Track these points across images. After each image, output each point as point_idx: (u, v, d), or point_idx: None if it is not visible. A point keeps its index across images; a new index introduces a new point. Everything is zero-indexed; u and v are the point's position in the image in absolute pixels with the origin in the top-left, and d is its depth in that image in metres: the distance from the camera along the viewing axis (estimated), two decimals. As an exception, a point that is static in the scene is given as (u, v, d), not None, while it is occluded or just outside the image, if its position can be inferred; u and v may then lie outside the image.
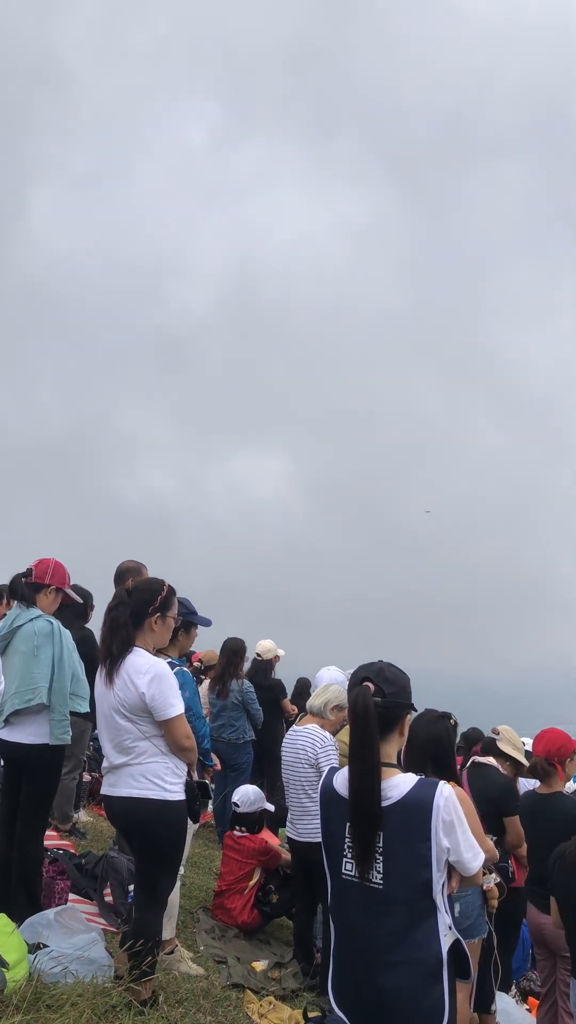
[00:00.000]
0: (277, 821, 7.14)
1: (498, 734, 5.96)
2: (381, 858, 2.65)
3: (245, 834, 6.14)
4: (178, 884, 4.63)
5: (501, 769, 5.56)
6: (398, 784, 2.70)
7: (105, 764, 3.96)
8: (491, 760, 5.58)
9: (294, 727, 5.59)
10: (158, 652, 4.05)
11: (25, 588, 4.70)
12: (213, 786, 7.53)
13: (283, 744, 5.46)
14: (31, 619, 4.61)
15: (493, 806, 5.17)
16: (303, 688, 11.43)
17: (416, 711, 2.96)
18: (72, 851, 5.94)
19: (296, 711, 9.65)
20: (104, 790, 3.98)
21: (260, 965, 5.27)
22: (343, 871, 2.76)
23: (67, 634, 4.71)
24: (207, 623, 5.43)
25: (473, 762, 5.56)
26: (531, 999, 6.48)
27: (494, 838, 4.75)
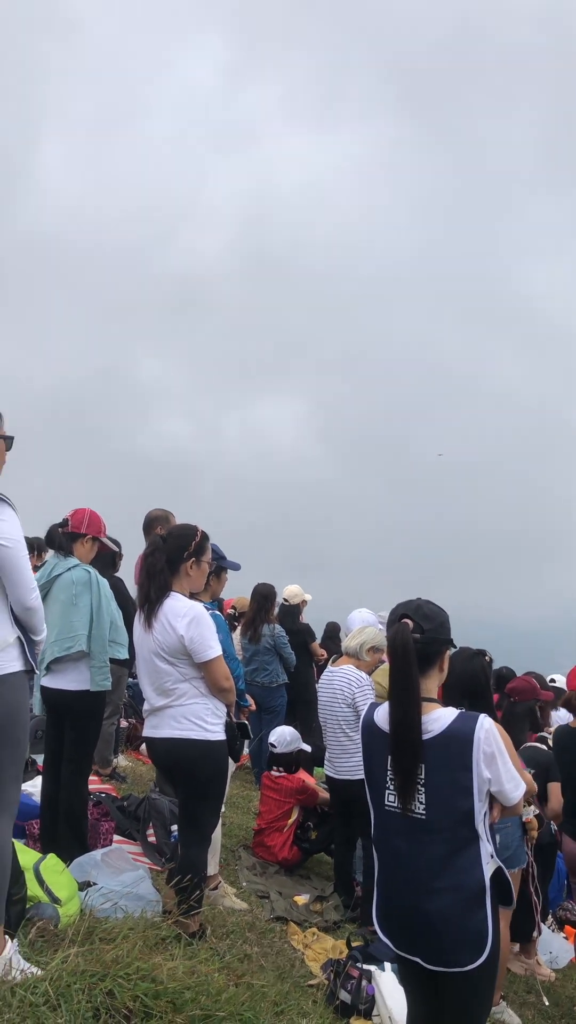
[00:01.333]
0: (313, 761, 7.26)
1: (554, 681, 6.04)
2: (423, 789, 2.71)
3: (282, 774, 6.25)
4: (220, 822, 4.73)
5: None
6: (439, 717, 2.74)
7: (146, 707, 4.04)
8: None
9: (330, 668, 5.65)
10: (191, 597, 4.10)
11: (62, 538, 4.75)
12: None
13: (320, 684, 5.54)
14: (69, 568, 4.67)
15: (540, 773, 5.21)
16: (333, 632, 11.53)
17: (455, 647, 2.98)
18: (114, 794, 6.09)
19: (325, 655, 9.75)
20: (146, 732, 4.07)
21: (302, 899, 5.40)
22: (386, 803, 2.81)
23: (104, 582, 4.77)
24: (236, 567, 5.48)
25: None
26: (568, 927, 6.62)
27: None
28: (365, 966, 4.00)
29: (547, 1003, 5.03)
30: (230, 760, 4.12)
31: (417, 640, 2.76)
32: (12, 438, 3.25)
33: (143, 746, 8.17)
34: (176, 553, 4.02)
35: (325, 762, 5.58)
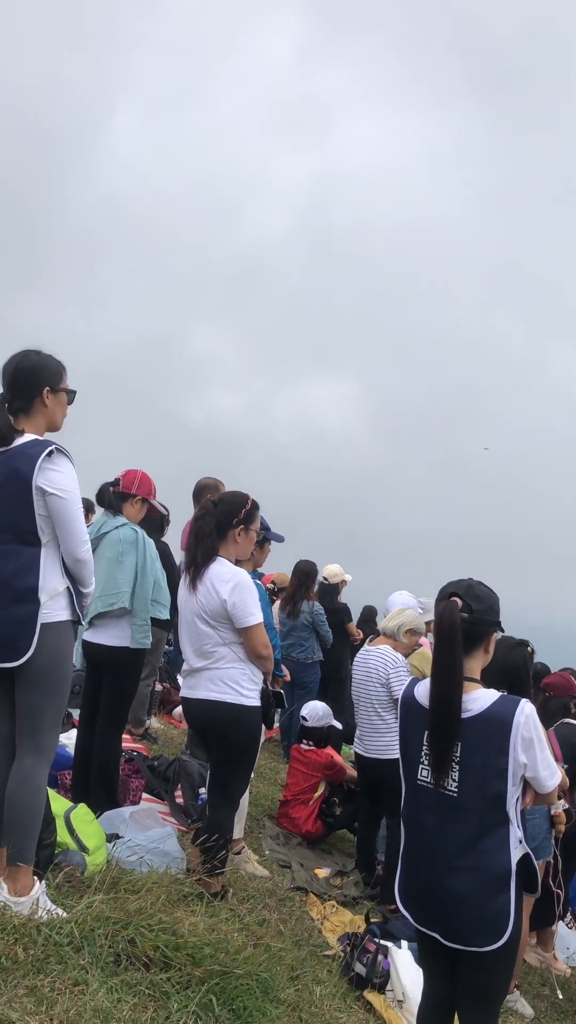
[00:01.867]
0: (343, 739, 7.29)
1: None
2: (457, 767, 2.70)
3: (312, 747, 6.28)
4: (248, 788, 4.78)
5: None
6: (479, 698, 2.73)
7: (185, 667, 4.10)
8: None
9: (366, 647, 5.66)
10: (236, 564, 4.13)
11: (112, 497, 4.81)
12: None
13: (355, 663, 5.55)
14: (117, 527, 4.72)
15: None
16: (369, 616, 11.54)
17: (503, 631, 2.96)
18: (145, 754, 6.17)
19: (361, 635, 9.78)
20: (183, 692, 4.12)
21: (323, 872, 5.44)
22: (418, 777, 2.81)
23: (151, 543, 4.83)
24: (280, 539, 5.51)
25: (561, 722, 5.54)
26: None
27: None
28: (382, 941, 4.02)
29: (560, 997, 5.02)
30: (263, 727, 4.15)
31: (465, 619, 2.75)
32: (74, 392, 3.28)
33: (175, 710, 8.28)
34: (226, 519, 4.07)
35: (355, 740, 5.60)
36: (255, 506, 4.18)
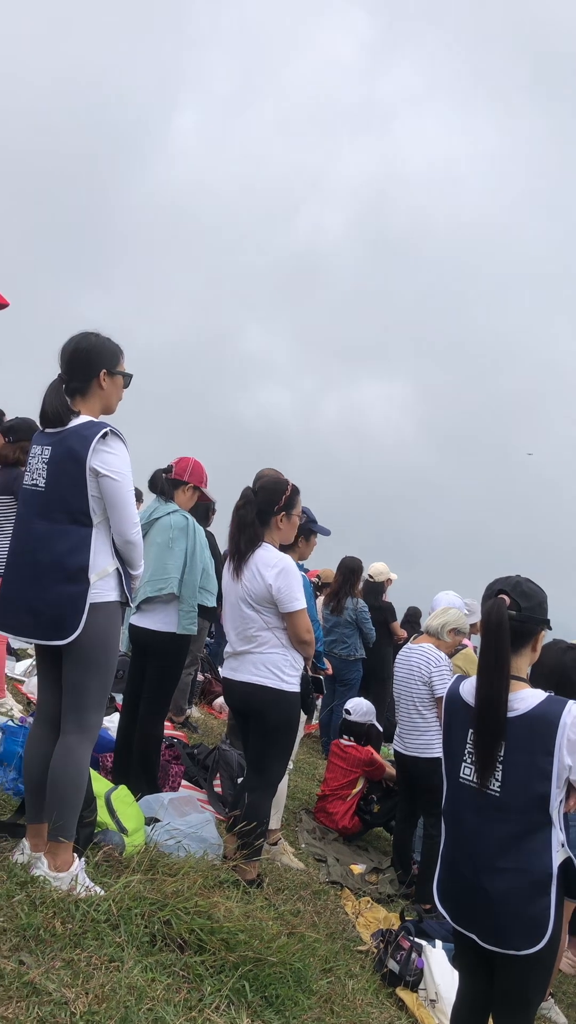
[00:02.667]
0: (383, 739, 7.26)
1: None
2: (501, 767, 2.66)
3: (352, 744, 6.26)
4: (286, 778, 4.78)
5: None
6: (526, 697, 2.68)
7: (228, 649, 4.16)
8: None
9: (409, 644, 5.62)
10: (280, 549, 4.17)
11: (165, 483, 4.85)
12: (320, 698, 7.71)
13: (397, 660, 5.52)
14: (168, 513, 4.76)
15: None
16: (413, 617, 11.47)
17: (551, 629, 2.91)
18: (185, 741, 6.22)
19: (405, 635, 9.72)
20: (225, 672, 4.18)
21: (358, 868, 5.43)
22: (461, 775, 2.78)
23: (200, 530, 4.85)
24: (327, 532, 5.50)
25: None
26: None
27: None
28: (416, 940, 4.00)
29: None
30: (303, 717, 4.17)
31: (513, 617, 2.71)
32: (131, 376, 3.31)
33: (216, 701, 8.32)
34: (267, 506, 4.14)
35: (395, 738, 5.56)
36: (295, 491, 4.24)
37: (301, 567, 5.26)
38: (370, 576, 9.71)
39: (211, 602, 4.94)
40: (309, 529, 5.27)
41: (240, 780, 5.09)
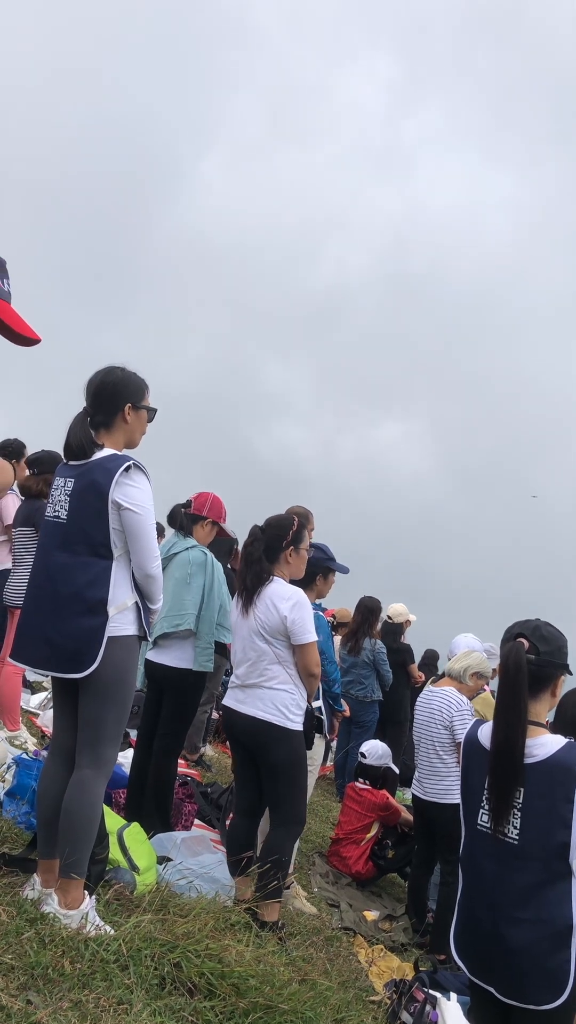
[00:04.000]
0: (399, 783, 7.16)
1: None
2: (519, 814, 2.60)
3: (367, 787, 6.18)
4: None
5: None
6: (545, 743, 2.64)
7: (234, 680, 4.15)
8: None
9: (429, 687, 5.57)
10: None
11: (184, 518, 4.87)
12: (335, 740, 7.63)
13: (417, 703, 5.45)
14: (187, 548, 4.77)
15: None
16: (431, 659, 11.36)
17: (571, 674, 2.87)
18: (198, 779, 6.16)
19: (423, 678, 9.63)
20: (228, 703, 4.15)
21: (372, 915, 5.33)
22: (479, 822, 2.73)
23: (219, 566, 4.86)
24: (345, 570, 5.47)
25: None
26: None
27: None
28: (431, 991, 3.90)
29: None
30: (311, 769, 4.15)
31: (531, 661, 2.68)
32: (155, 410, 3.33)
33: (228, 740, 8.25)
34: (275, 542, 4.19)
35: (413, 782, 5.48)
36: (302, 526, 4.29)
37: (319, 606, 5.23)
38: (389, 617, 9.65)
39: (228, 639, 4.91)
40: (327, 567, 5.25)
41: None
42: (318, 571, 5.16)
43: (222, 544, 5.89)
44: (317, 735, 4.62)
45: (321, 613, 5.19)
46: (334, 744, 7.94)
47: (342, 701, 5.42)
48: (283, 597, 4.02)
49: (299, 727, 4.07)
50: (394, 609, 9.85)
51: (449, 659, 5.82)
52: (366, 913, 5.33)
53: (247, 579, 4.12)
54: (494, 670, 5.78)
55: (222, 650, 5.38)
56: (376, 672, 8.52)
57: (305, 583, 5.07)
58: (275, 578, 4.12)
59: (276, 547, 4.19)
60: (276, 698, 4.01)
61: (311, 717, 4.17)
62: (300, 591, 4.12)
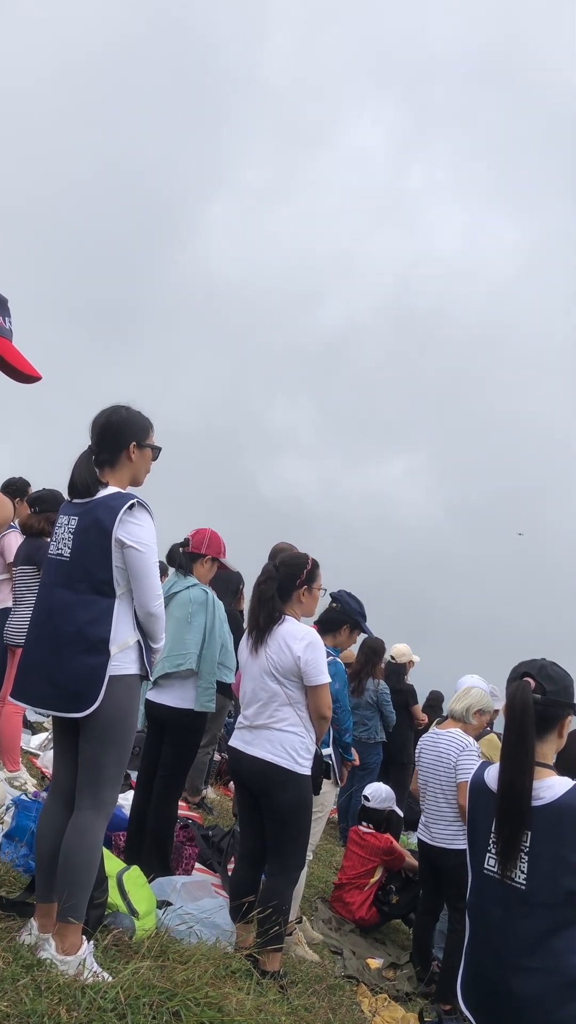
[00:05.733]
0: (403, 826, 7.05)
1: None
2: (527, 858, 2.55)
3: (371, 831, 6.08)
4: (305, 870, 4.61)
5: None
6: (552, 785, 2.59)
7: (241, 720, 4.09)
8: None
9: (434, 729, 5.49)
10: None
11: (183, 557, 4.85)
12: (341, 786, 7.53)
13: (422, 745, 5.35)
14: (187, 587, 4.75)
15: None
16: (435, 701, 11.24)
17: (577, 715, 2.83)
18: (199, 822, 6.07)
19: (426, 720, 9.53)
20: (235, 743, 4.09)
21: (375, 962, 5.21)
22: (485, 866, 2.67)
23: (220, 604, 4.83)
24: (369, 632, 5.47)
25: None
26: None
27: None
28: (436, 1043, 3.81)
29: None
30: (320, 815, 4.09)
31: (537, 701, 2.64)
32: (160, 449, 3.34)
33: (233, 783, 8.14)
34: (288, 581, 4.15)
35: (419, 827, 5.36)
36: (315, 565, 4.25)
37: (336, 651, 5.18)
38: (392, 657, 9.59)
39: (230, 679, 4.88)
40: (359, 624, 5.22)
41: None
42: (348, 622, 5.15)
43: (228, 582, 5.87)
44: (325, 780, 4.56)
45: (339, 661, 5.15)
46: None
47: (352, 750, 5.33)
48: (296, 637, 3.97)
49: (307, 771, 3.99)
50: (397, 649, 9.79)
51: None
52: (370, 961, 5.21)
53: (260, 618, 4.07)
54: (497, 710, 5.71)
55: (224, 690, 5.34)
56: (380, 713, 8.44)
57: (331, 628, 5.04)
58: (287, 617, 4.07)
59: (289, 586, 4.15)
60: (285, 740, 3.94)
61: (319, 762, 4.11)
62: (313, 631, 4.07)
